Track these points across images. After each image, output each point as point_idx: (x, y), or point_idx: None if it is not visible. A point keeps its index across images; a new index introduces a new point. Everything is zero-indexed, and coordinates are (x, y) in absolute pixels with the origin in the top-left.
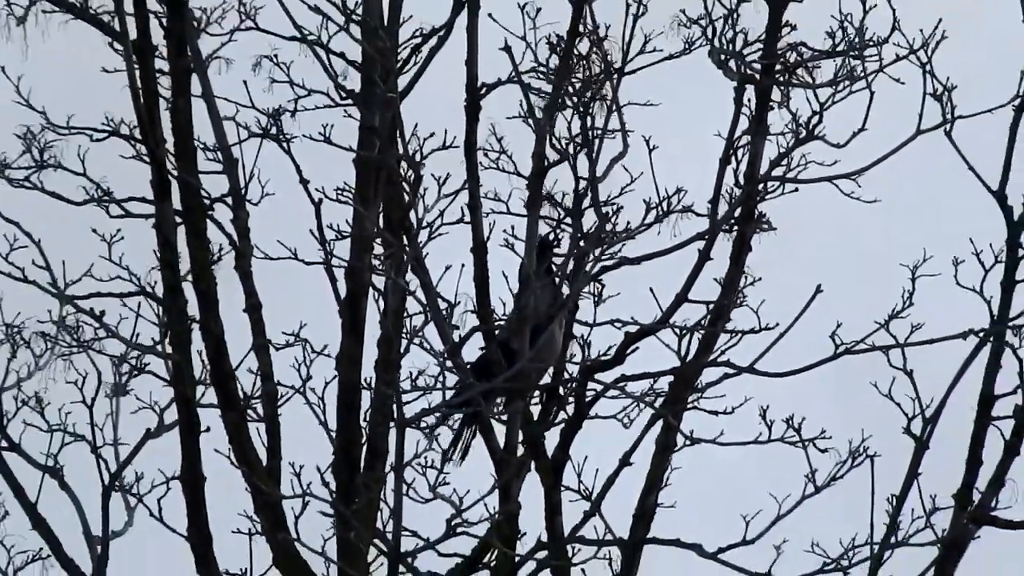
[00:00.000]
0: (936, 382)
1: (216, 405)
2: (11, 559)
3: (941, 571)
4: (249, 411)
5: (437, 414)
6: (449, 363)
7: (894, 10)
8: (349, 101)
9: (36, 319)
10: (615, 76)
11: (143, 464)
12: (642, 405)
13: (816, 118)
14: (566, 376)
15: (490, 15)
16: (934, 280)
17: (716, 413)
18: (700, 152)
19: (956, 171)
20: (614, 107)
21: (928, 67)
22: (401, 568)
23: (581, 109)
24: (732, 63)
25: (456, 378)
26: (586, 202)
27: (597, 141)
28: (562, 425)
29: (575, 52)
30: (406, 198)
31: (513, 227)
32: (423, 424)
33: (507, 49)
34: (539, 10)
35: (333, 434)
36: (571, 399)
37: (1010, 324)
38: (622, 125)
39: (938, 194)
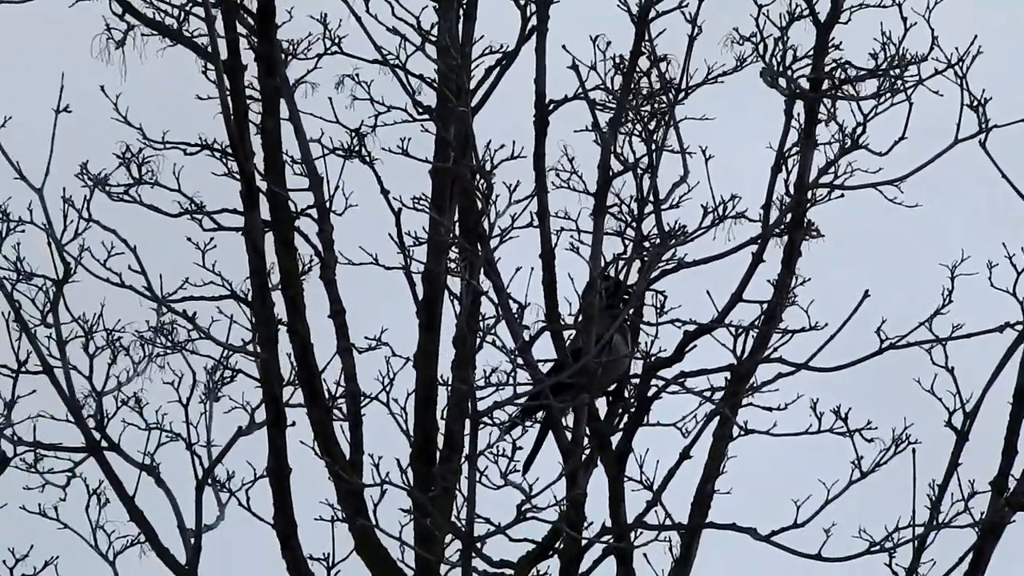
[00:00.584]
0: (975, 378)
1: (303, 404)
2: (111, 544)
3: (980, 553)
4: (333, 412)
5: (510, 408)
6: (520, 360)
7: (932, 29)
8: (425, 116)
9: (133, 325)
10: (675, 95)
11: (233, 461)
12: (700, 404)
13: (860, 129)
14: (630, 375)
15: (563, 46)
16: (970, 284)
17: (770, 409)
18: (752, 164)
19: (991, 179)
20: (672, 125)
21: (964, 81)
22: (473, 555)
23: (641, 127)
24: (782, 80)
25: (526, 375)
26: (647, 209)
27: (657, 155)
28: (625, 420)
29: (637, 70)
30: (479, 206)
31: (580, 232)
32: (496, 417)
33: (574, 67)
34: (608, 43)
35: (411, 432)
36: (634, 396)
37: None
38: (682, 147)
39: (974, 201)
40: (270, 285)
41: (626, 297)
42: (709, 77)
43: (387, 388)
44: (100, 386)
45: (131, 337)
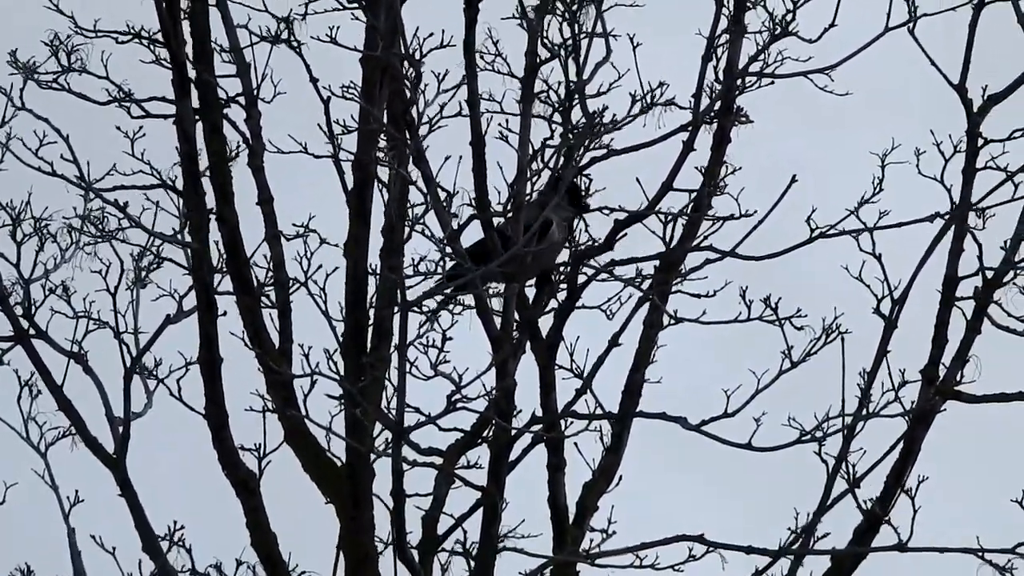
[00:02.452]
0: (903, 265)
1: (232, 292)
2: (43, 435)
3: (910, 442)
4: (263, 299)
5: (438, 296)
6: (448, 249)
7: None
8: (355, 5)
9: (63, 213)
10: None
11: (163, 350)
12: (629, 289)
13: (790, 16)
14: (558, 262)
15: None
16: (899, 172)
17: (699, 296)
18: (682, 52)
19: (921, 68)
20: (596, 7)
21: None
22: (403, 444)
23: (569, 11)
24: None
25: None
26: (575, 100)
27: (584, 42)
28: (555, 308)
29: None
30: (408, 94)
31: (508, 121)
32: (424, 306)
33: None
34: None
35: (336, 322)
36: (563, 284)
37: (972, 207)
38: (604, 29)
39: (904, 90)
40: (200, 171)
41: (556, 183)
42: None
43: (311, 274)
44: (28, 274)
45: (59, 224)
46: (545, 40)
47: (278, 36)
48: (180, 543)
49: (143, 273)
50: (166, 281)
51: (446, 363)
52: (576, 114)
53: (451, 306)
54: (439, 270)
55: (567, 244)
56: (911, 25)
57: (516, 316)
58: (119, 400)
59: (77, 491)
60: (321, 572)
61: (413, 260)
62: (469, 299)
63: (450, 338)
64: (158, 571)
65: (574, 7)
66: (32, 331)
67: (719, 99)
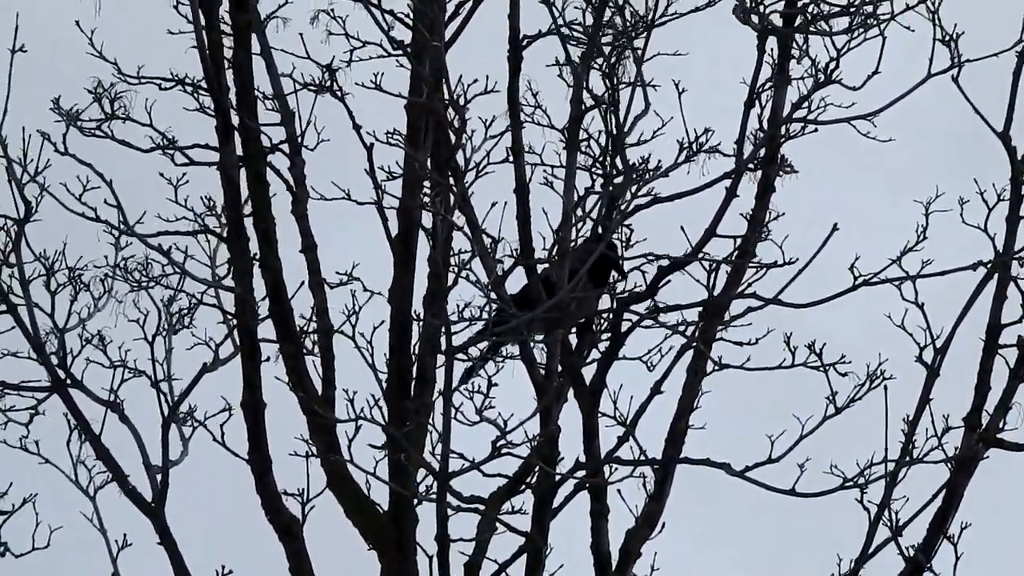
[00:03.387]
0: (945, 315)
1: (274, 340)
2: (92, 479)
3: (952, 489)
4: (305, 347)
5: (484, 342)
6: (493, 295)
7: None
8: (400, 52)
9: (96, 262)
10: (644, 30)
11: (202, 398)
12: (671, 338)
13: (833, 64)
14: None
15: None
16: (942, 220)
17: (741, 344)
18: (726, 100)
19: (964, 114)
20: (635, 59)
21: (936, 16)
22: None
23: (608, 64)
24: (754, 16)
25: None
26: (615, 151)
27: (620, 91)
28: (598, 356)
29: (609, 4)
30: (452, 141)
31: (552, 169)
32: (468, 353)
33: (547, 1)
34: None
35: (379, 371)
36: (607, 331)
37: (1015, 256)
38: (643, 81)
39: (947, 136)
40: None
41: (600, 232)
42: (674, 12)
43: (354, 322)
44: (63, 323)
45: (92, 274)
46: (588, 89)
47: (322, 85)
48: None
49: (184, 318)
50: (201, 330)
51: (491, 408)
52: (618, 164)
53: (495, 354)
54: (483, 316)
55: (609, 292)
56: (955, 72)
57: (559, 364)
58: (156, 448)
59: (125, 535)
60: None
61: (457, 306)
62: (513, 348)
63: (496, 384)
64: None
65: (612, 61)
66: (68, 380)
67: (763, 145)
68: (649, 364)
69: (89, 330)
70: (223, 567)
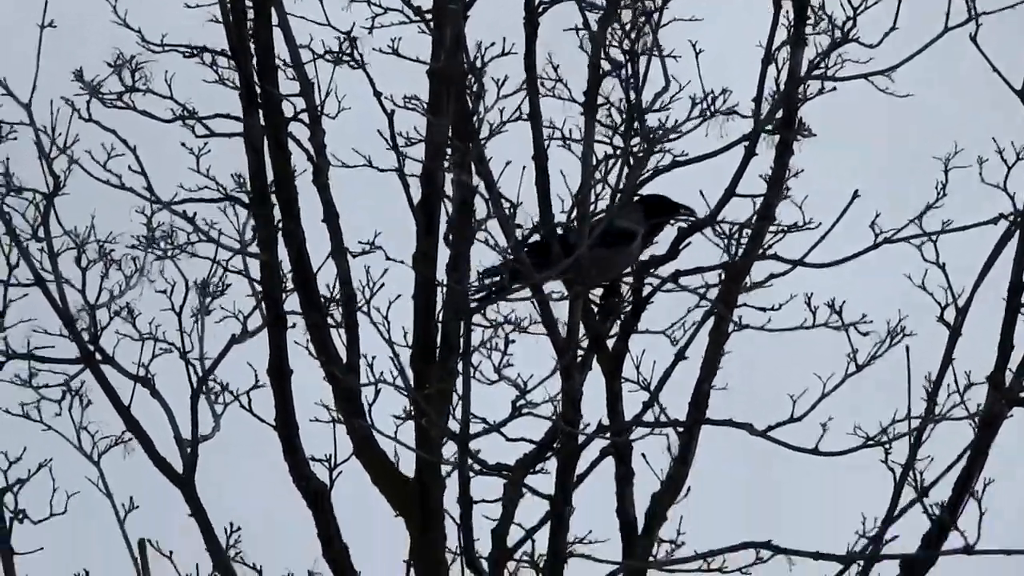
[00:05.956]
0: (967, 275)
1: (298, 312)
2: (95, 444)
3: (977, 447)
4: (329, 315)
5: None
6: (512, 258)
7: None
8: (420, 19)
9: (124, 234)
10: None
11: (229, 371)
12: (691, 308)
13: (851, 23)
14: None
15: None
16: (961, 181)
17: (764, 309)
18: (742, 64)
19: (982, 69)
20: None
21: None
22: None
23: (623, 33)
24: None
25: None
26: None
27: (637, 62)
28: (621, 319)
29: None
30: (470, 105)
31: (571, 131)
32: (488, 313)
33: None
34: None
35: (395, 344)
36: (629, 295)
37: None
38: (661, 56)
39: (966, 91)
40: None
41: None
42: None
43: (371, 293)
44: (93, 299)
45: (123, 250)
46: (607, 55)
47: (340, 54)
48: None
49: (213, 288)
50: (229, 303)
51: (510, 366)
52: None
53: (512, 313)
54: (503, 280)
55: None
56: (972, 29)
57: (581, 326)
58: (185, 420)
59: (132, 497)
60: None
61: (477, 271)
62: (534, 313)
63: (513, 340)
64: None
65: (630, 30)
66: (99, 356)
67: (780, 105)
68: (673, 339)
69: (118, 304)
70: (231, 524)
